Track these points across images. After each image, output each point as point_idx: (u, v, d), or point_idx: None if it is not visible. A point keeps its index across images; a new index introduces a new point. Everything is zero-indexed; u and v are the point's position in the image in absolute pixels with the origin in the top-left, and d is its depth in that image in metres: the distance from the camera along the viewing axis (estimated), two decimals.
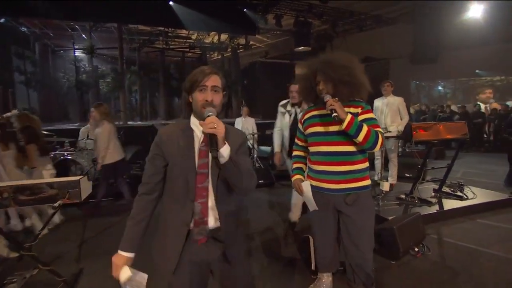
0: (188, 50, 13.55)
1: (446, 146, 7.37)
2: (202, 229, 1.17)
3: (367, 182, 1.77)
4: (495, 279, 2.28)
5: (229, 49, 14.36)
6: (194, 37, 13.47)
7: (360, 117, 1.69)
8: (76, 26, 11.18)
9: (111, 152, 3.74)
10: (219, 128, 1.05)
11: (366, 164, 1.78)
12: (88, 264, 2.62)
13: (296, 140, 2.03)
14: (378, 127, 1.70)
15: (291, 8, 10.63)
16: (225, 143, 1.08)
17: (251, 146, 6.09)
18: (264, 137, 6.85)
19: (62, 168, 4.83)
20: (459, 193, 3.88)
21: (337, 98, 1.66)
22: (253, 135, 6.23)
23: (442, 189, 3.94)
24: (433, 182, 4.24)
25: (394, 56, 12.19)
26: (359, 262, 1.78)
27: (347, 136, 1.66)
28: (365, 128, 1.63)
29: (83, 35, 11.51)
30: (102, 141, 3.67)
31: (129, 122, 9.81)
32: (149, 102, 13.50)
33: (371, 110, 1.74)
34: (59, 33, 11.78)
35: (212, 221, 1.19)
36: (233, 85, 12.31)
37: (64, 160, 5.02)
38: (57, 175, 3.72)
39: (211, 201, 1.18)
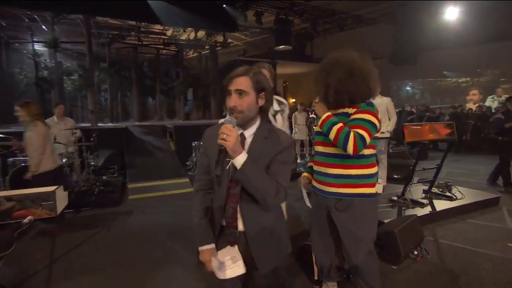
0: (163, 47, 13.16)
1: (431, 147, 7.68)
2: (232, 232, 1.24)
3: (367, 190, 1.71)
4: (493, 279, 2.36)
5: (207, 47, 14.16)
6: (169, 33, 13.13)
7: (353, 116, 1.66)
8: (35, 17, 10.48)
9: (47, 158, 3.35)
10: (229, 138, 1.08)
11: (366, 171, 1.72)
12: None
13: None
14: (361, 128, 1.59)
15: (271, 5, 10.67)
16: (240, 152, 1.11)
17: None
18: None
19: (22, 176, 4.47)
20: (448, 194, 4.03)
21: (318, 99, 1.77)
22: None
23: (431, 190, 4.08)
24: (422, 183, 4.39)
25: (374, 56, 12.50)
26: (358, 274, 1.77)
27: None
28: (336, 127, 1.61)
29: (43, 27, 10.80)
30: (35, 146, 3.25)
31: (99, 124, 9.34)
32: (121, 102, 12.92)
33: (371, 112, 1.65)
34: (14, 23, 10.96)
35: (241, 226, 1.24)
36: (211, 84, 12.13)
37: (25, 167, 4.64)
38: (17, 184, 3.41)
39: (239, 207, 1.23)
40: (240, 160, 1.10)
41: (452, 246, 2.92)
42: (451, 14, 10.59)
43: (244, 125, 1.21)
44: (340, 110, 1.73)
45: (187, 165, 6.44)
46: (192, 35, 13.23)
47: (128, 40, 12.41)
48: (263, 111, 1.24)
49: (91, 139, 4.97)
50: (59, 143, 4.74)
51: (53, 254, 2.98)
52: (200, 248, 1.27)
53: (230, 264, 1.23)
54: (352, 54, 1.73)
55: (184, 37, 13.36)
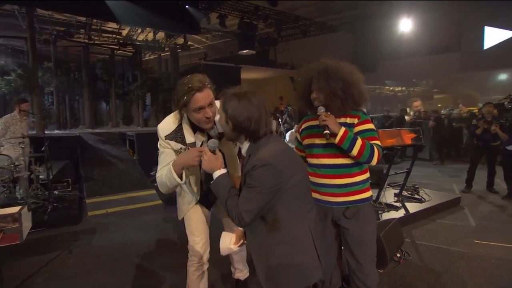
0: (118, 47, 12.49)
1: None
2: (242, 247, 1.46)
3: (368, 194, 1.82)
4: (469, 275, 2.60)
5: (166, 49, 13.76)
6: (124, 32, 12.52)
7: (356, 129, 1.73)
8: None
9: None
10: (203, 161, 1.35)
11: (367, 175, 1.84)
12: None
13: (295, 150, 2.02)
14: (376, 139, 1.72)
15: (236, 8, 10.73)
16: (218, 169, 1.33)
17: None
18: None
19: None
20: (417, 196, 4.36)
21: (328, 113, 1.70)
22: None
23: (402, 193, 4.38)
24: (392, 187, 4.70)
25: None
26: (360, 276, 1.83)
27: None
28: (359, 142, 1.66)
29: None
30: None
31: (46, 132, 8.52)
32: (69, 107, 11.90)
33: (370, 120, 1.76)
34: None
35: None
36: (173, 89, 11.77)
37: None
38: None
39: None
40: (215, 175, 1.32)
41: (428, 247, 3.15)
42: (405, 27, 11.58)
43: (236, 141, 1.39)
44: (342, 120, 1.76)
45: (152, 175, 6.14)
46: (150, 36, 12.77)
47: (76, 38, 11.57)
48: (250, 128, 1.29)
49: (42, 148, 4.50)
50: (3, 154, 4.25)
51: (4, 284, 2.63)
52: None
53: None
54: (340, 61, 1.78)
55: (141, 38, 12.84)
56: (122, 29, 12.09)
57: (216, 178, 1.31)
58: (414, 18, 11.26)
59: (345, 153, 1.70)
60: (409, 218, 3.75)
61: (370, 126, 1.73)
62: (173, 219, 4.19)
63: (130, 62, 13.05)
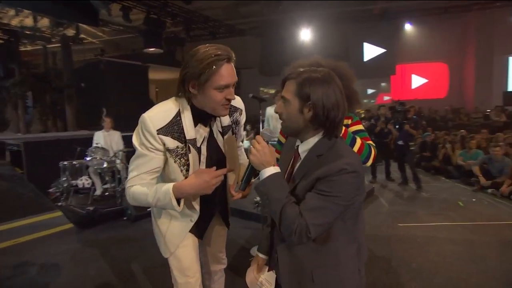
0: None
1: None
2: (274, 256, 1.19)
3: None
4: (410, 255, 2.93)
5: (53, 40, 11.48)
6: None
7: (351, 129, 1.72)
8: None
9: None
10: (254, 152, 1.08)
11: None
12: None
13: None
14: (369, 139, 1.75)
15: (141, 2, 9.75)
16: (269, 166, 1.07)
17: (119, 168, 5.02)
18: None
19: None
20: None
21: None
22: (123, 152, 5.18)
23: None
24: None
25: (246, 66, 13.59)
26: None
27: None
28: (358, 141, 1.65)
29: None
30: None
31: None
32: None
33: (360, 122, 1.79)
34: None
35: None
36: (66, 88, 9.86)
37: None
38: None
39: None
40: (266, 172, 1.02)
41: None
42: (305, 36, 12.71)
43: (297, 136, 1.09)
44: None
45: (52, 192, 4.94)
46: (29, 22, 10.38)
47: None
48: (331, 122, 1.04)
49: None
50: None
51: None
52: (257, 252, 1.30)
53: (267, 285, 1.25)
54: (331, 60, 1.71)
55: (15, 23, 10.31)
56: None
57: (268, 176, 1.01)
58: (312, 29, 12.50)
59: None
60: None
61: (362, 127, 1.73)
62: (97, 244, 3.43)
63: (5, 53, 10.35)
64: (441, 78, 13.76)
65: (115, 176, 4.86)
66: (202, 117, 1.28)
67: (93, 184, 4.98)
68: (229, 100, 1.23)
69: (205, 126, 1.32)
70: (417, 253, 3.06)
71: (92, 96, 9.67)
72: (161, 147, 1.24)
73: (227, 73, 1.18)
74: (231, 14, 12.39)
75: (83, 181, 4.93)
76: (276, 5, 10.95)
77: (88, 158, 4.75)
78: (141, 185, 1.24)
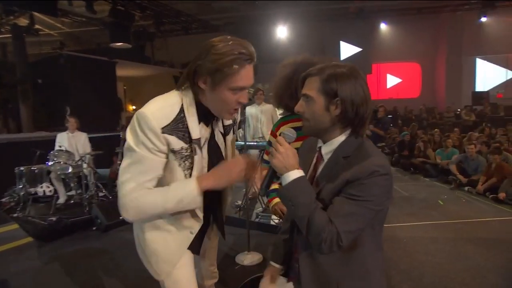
0: None
1: None
2: (294, 266, 1.15)
3: None
4: (397, 255, 2.96)
5: (2, 30, 10.65)
6: None
7: None
8: None
9: None
10: (276, 154, 1.02)
11: None
12: None
13: (266, 156, 1.84)
14: None
15: None
16: (293, 169, 1.01)
17: (86, 173, 4.73)
18: (103, 157, 5.53)
19: None
20: None
21: None
22: (90, 156, 4.88)
23: None
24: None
25: None
26: None
27: None
28: None
29: None
30: None
31: None
32: None
33: None
34: None
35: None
36: (19, 83, 9.15)
37: None
38: None
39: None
40: (290, 176, 0.94)
41: None
42: (281, 33, 12.79)
43: (321, 136, 1.04)
44: None
45: (5, 202, 4.54)
46: None
47: None
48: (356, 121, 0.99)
49: None
50: None
51: None
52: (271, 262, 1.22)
53: None
54: (323, 57, 1.68)
55: None
56: None
57: (292, 180, 0.93)
58: (289, 27, 12.61)
59: None
60: None
61: None
62: (63, 258, 3.17)
63: None
64: (415, 78, 14.44)
65: (82, 182, 4.55)
66: (205, 115, 1.15)
67: (55, 191, 4.65)
68: (240, 104, 1.12)
69: (207, 126, 1.18)
70: (404, 253, 3.11)
71: (50, 93, 9.05)
72: (164, 148, 1.07)
73: (247, 75, 1.06)
74: (204, 9, 12.19)
75: (43, 189, 4.60)
76: (252, 3, 10.94)
77: (50, 163, 4.40)
78: (146, 192, 1.06)
